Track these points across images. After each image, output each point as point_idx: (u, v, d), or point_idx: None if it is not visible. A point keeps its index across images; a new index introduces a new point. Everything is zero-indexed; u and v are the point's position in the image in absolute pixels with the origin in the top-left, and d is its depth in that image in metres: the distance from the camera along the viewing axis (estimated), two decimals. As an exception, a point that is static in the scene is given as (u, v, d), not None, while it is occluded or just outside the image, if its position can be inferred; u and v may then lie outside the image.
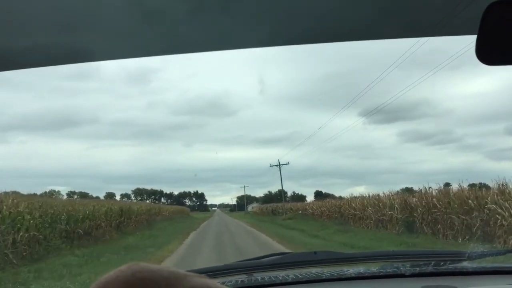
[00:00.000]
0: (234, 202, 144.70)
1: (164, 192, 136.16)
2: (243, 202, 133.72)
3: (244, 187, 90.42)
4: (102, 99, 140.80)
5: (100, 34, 1.55)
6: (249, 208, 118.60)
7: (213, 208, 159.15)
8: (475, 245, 1.68)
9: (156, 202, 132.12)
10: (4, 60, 1.62)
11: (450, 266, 1.60)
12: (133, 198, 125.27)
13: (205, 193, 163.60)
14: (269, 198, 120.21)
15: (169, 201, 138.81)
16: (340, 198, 29.45)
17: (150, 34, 1.56)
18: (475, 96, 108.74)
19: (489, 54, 1.10)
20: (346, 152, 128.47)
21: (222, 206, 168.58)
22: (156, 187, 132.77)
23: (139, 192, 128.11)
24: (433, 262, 1.62)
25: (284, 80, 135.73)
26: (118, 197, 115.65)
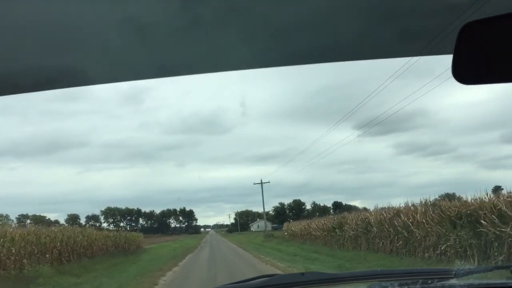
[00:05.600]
0: (231, 220, 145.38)
1: (143, 211, 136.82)
2: (244, 220, 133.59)
3: (261, 183, 64.07)
4: (93, 120, 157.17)
5: (94, 57, 1.99)
6: (253, 227, 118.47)
7: (206, 229, 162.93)
8: (462, 263, 2.16)
9: (133, 224, 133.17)
10: None
11: (438, 284, 2.06)
12: (102, 221, 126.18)
13: (198, 214, 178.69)
14: (281, 211, 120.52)
15: (149, 222, 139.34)
16: (365, 209, 29.40)
17: (144, 57, 2.02)
18: (470, 105, 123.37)
19: (465, 74, 1.43)
20: (342, 167, 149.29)
21: (217, 227, 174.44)
22: (147, 208, 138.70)
23: (110, 213, 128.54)
24: (420, 281, 2.08)
25: (279, 96, 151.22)
26: (83, 220, 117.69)
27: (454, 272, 2.12)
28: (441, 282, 2.09)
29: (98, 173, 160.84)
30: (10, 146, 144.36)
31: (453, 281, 2.09)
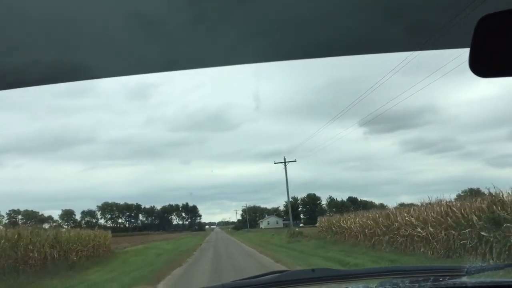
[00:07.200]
0: (238, 216, 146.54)
1: (143, 206, 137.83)
2: (252, 216, 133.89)
3: (285, 162, 54.17)
4: (99, 116, 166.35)
5: (100, 50, 2.13)
6: (263, 224, 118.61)
7: (211, 226, 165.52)
8: (474, 260, 2.29)
9: (132, 220, 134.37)
10: (2, 79, 2.23)
11: (449, 282, 2.18)
12: (99, 217, 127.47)
13: (203, 211, 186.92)
14: (294, 206, 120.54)
15: (149, 218, 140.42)
16: (382, 206, 28.32)
17: (150, 51, 2.15)
18: (479, 101, 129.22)
19: (482, 67, 1.51)
20: (347, 164, 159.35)
21: (222, 224, 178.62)
22: (148, 204, 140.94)
23: (108, 208, 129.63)
24: (432, 278, 2.20)
25: (285, 92, 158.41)
26: (78, 216, 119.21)
27: (465, 270, 2.24)
28: (452, 280, 2.21)
29: (104, 170, 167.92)
30: (15, 143, 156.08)
31: (465, 279, 2.21)
